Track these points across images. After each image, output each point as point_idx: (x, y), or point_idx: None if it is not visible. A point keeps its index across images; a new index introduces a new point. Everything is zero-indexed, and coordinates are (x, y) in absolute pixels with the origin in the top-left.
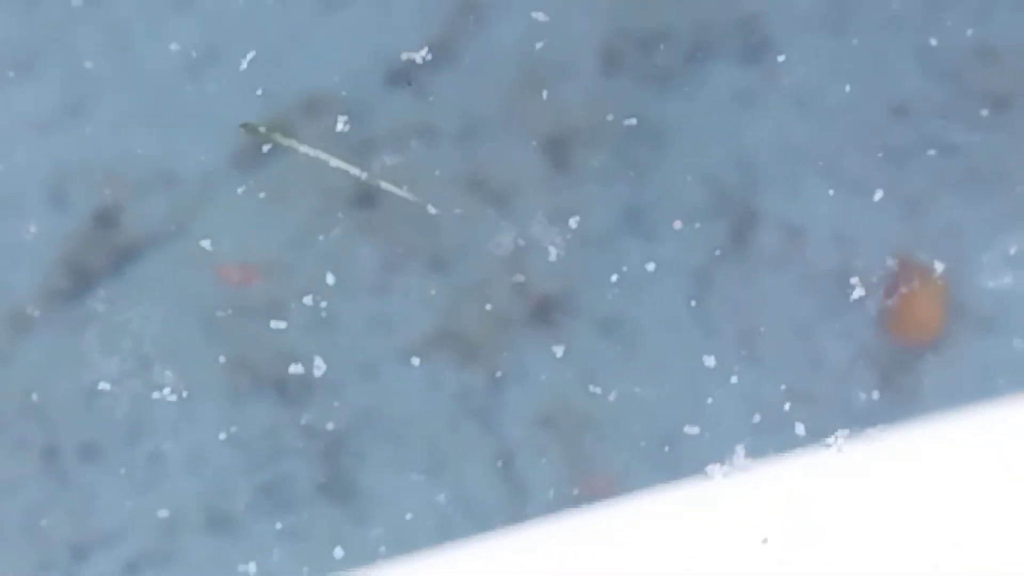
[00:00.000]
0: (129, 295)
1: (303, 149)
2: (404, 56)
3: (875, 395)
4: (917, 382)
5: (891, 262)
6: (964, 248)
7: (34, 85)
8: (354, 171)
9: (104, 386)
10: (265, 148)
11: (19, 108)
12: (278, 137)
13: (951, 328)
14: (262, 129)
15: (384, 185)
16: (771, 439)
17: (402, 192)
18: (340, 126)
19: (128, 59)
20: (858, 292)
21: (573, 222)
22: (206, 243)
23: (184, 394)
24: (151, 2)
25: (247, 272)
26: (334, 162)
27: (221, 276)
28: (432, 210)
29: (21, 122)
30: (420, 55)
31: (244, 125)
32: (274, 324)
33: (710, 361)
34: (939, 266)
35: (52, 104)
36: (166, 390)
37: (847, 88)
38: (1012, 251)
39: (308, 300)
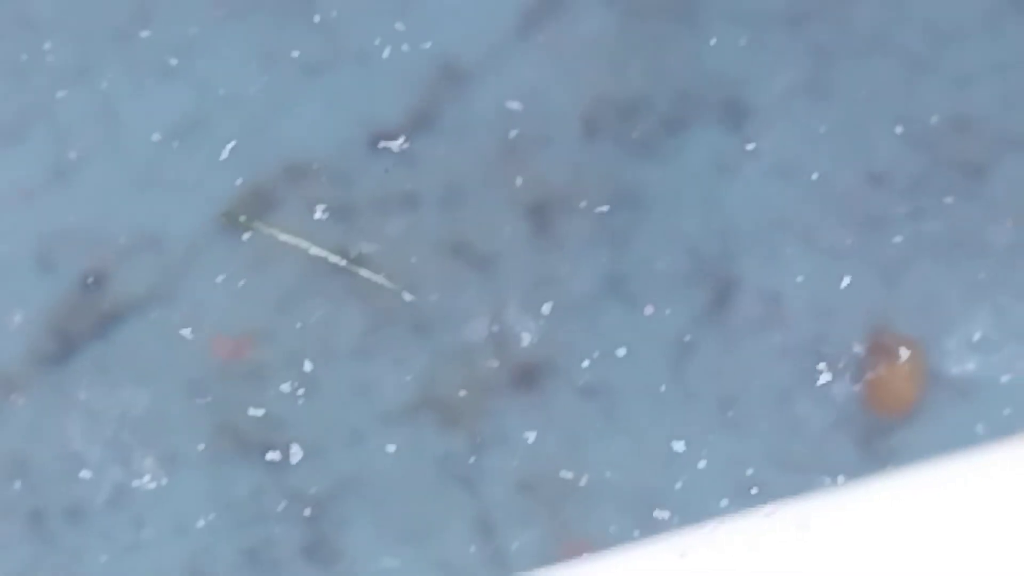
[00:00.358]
0: (114, 361)
1: (283, 238)
2: (381, 144)
3: (841, 479)
4: (883, 463)
5: (863, 342)
6: (933, 327)
7: (21, 151)
8: (334, 259)
9: (85, 474)
10: (245, 236)
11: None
12: (259, 226)
13: (920, 406)
14: (242, 218)
15: (363, 273)
16: (739, 522)
17: (380, 280)
18: (319, 214)
19: (114, 127)
20: (825, 377)
21: (546, 308)
22: (190, 311)
23: (163, 481)
24: (137, 71)
25: (234, 344)
26: (314, 250)
27: (208, 348)
28: (408, 297)
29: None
30: (397, 144)
31: (225, 214)
32: (257, 404)
33: (679, 446)
34: (908, 346)
35: (39, 171)
36: (146, 477)
37: (825, 158)
38: (976, 337)
39: (286, 387)
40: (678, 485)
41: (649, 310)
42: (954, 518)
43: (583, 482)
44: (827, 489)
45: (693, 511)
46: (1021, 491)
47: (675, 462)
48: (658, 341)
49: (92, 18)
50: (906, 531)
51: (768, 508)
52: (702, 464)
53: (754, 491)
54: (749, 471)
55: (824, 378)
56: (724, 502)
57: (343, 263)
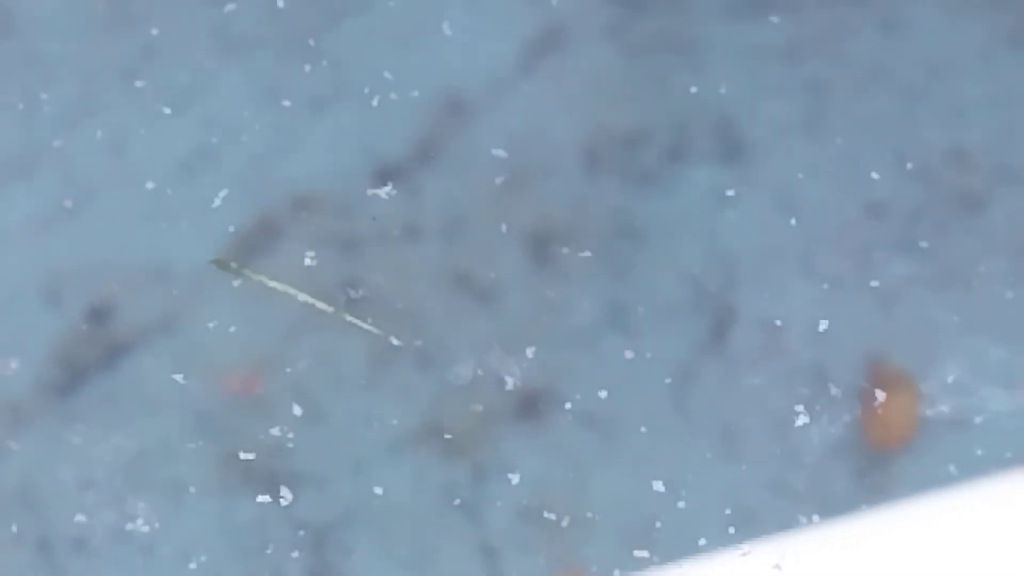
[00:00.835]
0: (119, 393)
1: (272, 284)
2: (369, 192)
3: (815, 518)
4: (856, 507)
5: (858, 375)
6: (923, 364)
7: (31, 187)
8: (321, 306)
9: (80, 518)
10: (236, 283)
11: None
12: (248, 273)
13: (915, 439)
14: (233, 265)
15: (349, 318)
16: (716, 561)
17: (367, 326)
18: (308, 261)
19: (123, 162)
20: (804, 418)
21: (530, 352)
22: (189, 350)
23: (155, 526)
24: (147, 106)
25: (233, 381)
26: (302, 296)
27: (206, 386)
28: (395, 342)
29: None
30: (384, 191)
31: (216, 261)
32: (259, 437)
33: (659, 486)
34: (901, 380)
35: (49, 205)
36: (137, 522)
37: (823, 188)
38: (950, 380)
39: (288, 421)
40: (657, 524)
41: (646, 341)
42: (926, 560)
43: (565, 523)
44: (801, 529)
45: (672, 551)
46: (992, 533)
47: (655, 502)
48: (655, 374)
49: (99, 60)
50: (877, 571)
51: (745, 547)
52: (681, 504)
53: (732, 530)
54: (727, 511)
55: (806, 418)
56: (702, 541)
57: (330, 310)
